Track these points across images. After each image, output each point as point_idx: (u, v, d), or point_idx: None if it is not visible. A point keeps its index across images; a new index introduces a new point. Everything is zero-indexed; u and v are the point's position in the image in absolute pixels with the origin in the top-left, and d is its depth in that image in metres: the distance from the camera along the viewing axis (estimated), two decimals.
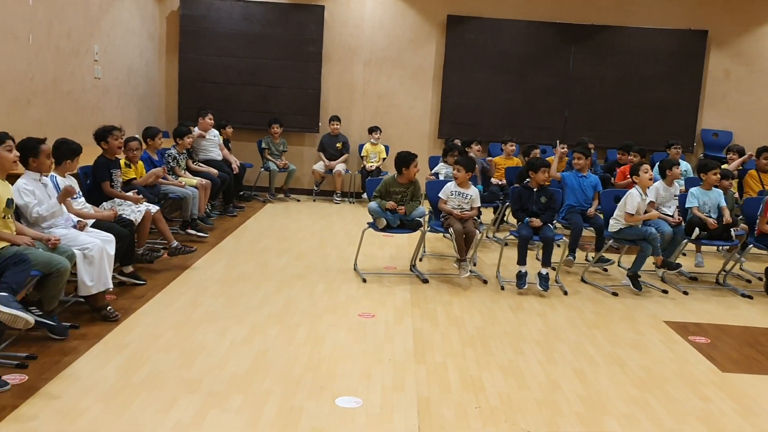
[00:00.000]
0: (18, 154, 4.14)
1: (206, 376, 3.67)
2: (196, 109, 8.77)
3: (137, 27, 8.95)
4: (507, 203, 7.52)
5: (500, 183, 7.93)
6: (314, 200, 9.79)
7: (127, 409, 3.27)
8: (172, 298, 5.00)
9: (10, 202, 3.95)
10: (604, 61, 9.98)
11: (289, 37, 9.88)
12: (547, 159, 7.04)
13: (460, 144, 7.74)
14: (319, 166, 9.72)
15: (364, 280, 5.69)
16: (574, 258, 6.44)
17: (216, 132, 8.46)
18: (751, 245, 6.13)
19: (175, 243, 5.82)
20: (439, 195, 5.94)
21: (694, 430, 3.33)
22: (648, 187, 5.98)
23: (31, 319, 3.32)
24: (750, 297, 5.84)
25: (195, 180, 7.11)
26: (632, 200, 5.80)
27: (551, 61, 10.02)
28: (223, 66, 9.88)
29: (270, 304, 4.99)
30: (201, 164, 7.84)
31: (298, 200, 9.68)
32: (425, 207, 6.18)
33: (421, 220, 5.98)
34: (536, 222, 5.68)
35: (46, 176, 4.46)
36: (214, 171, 7.76)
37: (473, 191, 5.99)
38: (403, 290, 5.50)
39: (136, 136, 6.23)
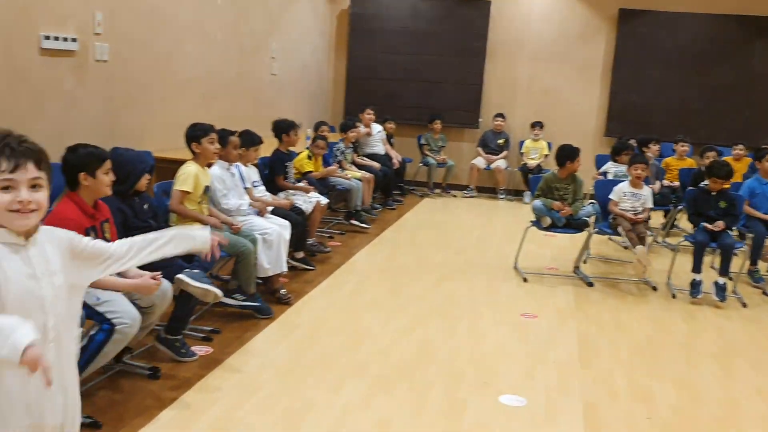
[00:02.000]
0: (219, 147, 4.45)
1: (372, 361, 3.80)
2: (361, 105, 9.07)
3: (311, 26, 9.39)
4: (679, 207, 7.11)
5: (672, 185, 7.49)
6: (472, 197, 9.77)
7: (300, 386, 3.46)
8: (339, 284, 5.21)
9: (207, 189, 4.30)
10: None
11: (455, 32, 9.91)
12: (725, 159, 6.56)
13: (635, 143, 7.41)
14: (479, 162, 9.69)
15: (525, 280, 5.61)
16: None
17: (380, 127, 8.70)
18: None
19: (311, 240, 5.98)
20: (610, 197, 5.72)
21: None
22: None
23: (219, 292, 3.58)
24: None
25: (359, 173, 7.35)
26: None
27: (732, 56, 9.29)
28: (388, 62, 10.12)
29: (431, 296, 5.06)
30: (365, 158, 8.09)
31: (455, 196, 9.71)
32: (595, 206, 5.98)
33: (588, 220, 5.79)
34: (720, 225, 5.29)
35: (234, 166, 4.81)
36: (377, 165, 7.97)
37: (646, 191, 5.72)
38: (565, 292, 5.36)
39: (324, 135, 6.58)
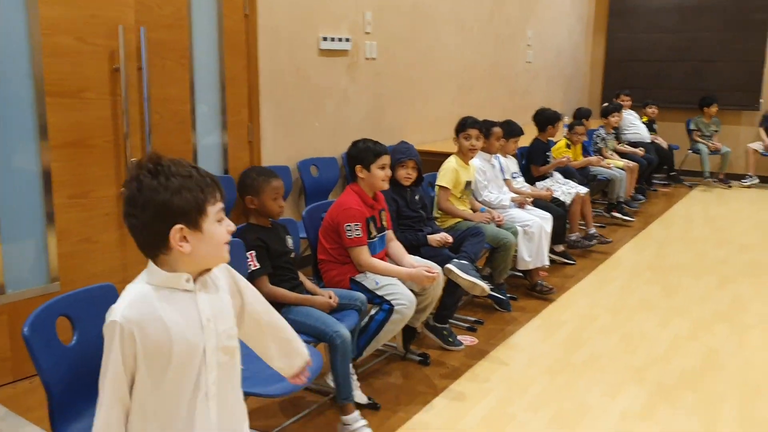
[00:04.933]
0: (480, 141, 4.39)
1: (651, 367, 3.49)
2: (620, 89, 8.53)
3: (568, 10, 9.02)
4: None
5: None
6: (751, 186, 8.69)
7: (572, 387, 3.28)
8: (603, 280, 4.91)
9: (468, 184, 4.29)
10: None
11: (731, 4, 8.87)
12: None
13: None
14: (757, 145, 8.59)
15: None
16: None
17: (633, 113, 8.13)
18: None
19: (593, 230, 5.69)
20: None
21: None
22: None
23: (486, 287, 3.54)
24: None
25: (622, 162, 6.89)
26: None
27: None
28: (651, 42, 9.38)
29: (713, 299, 4.55)
30: (627, 146, 7.57)
31: (730, 186, 8.70)
32: None
33: None
34: None
35: (494, 157, 4.76)
36: (640, 152, 7.41)
37: None
38: None
39: (582, 122, 6.30)
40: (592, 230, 5.70)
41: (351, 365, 3.02)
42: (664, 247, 5.84)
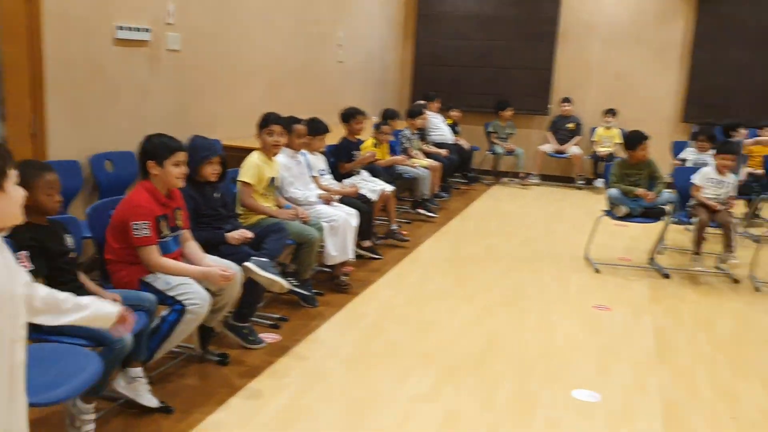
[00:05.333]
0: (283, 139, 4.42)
1: (439, 352, 3.74)
2: (427, 92, 8.98)
3: (378, 12, 9.32)
4: (763, 195, 6.75)
5: (756, 173, 7.12)
6: (538, 185, 9.55)
7: (366, 375, 3.43)
8: (405, 273, 5.16)
9: (272, 180, 4.31)
10: None
11: (524, 17, 9.68)
12: None
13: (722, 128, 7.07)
14: (547, 148, 9.46)
15: (597, 270, 5.43)
16: None
17: (438, 116, 8.63)
18: None
19: (394, 226, 5.96)
20: (693, 180, 5.45)
21: None
22: None
23: (285, 284, 3.59)
24: None
25: (427, 161, 7.27)
26: None
27: None
28: (455, 49, 9.97)
29: (499, 286, 4.95)
30: (432, 146, 7.99)
31: (525, 186, 9.50)
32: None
33: (666, 208, 5.55)
34: None
35: (300, 154, 4.81)
36: (444, 152, 7.87)
37: (732, 179, 5.45)
38: (640, 284, 5.16)
39: (388, 122, 6.52)
40: (394, 226, 5.96)
41: (142, 368, 2.94)
42: (460, 241, 6.25)
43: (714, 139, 6.48)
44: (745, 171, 7.02)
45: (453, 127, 8.94)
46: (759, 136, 7.66)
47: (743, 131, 7.23)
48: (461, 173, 9.06)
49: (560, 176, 9.74)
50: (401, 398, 3.21)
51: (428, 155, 7.58)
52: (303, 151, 4.89)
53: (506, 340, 3.96)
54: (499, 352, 3.78)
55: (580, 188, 9.38)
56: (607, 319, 4.39)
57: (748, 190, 6.94)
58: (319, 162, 5.19)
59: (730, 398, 3.33)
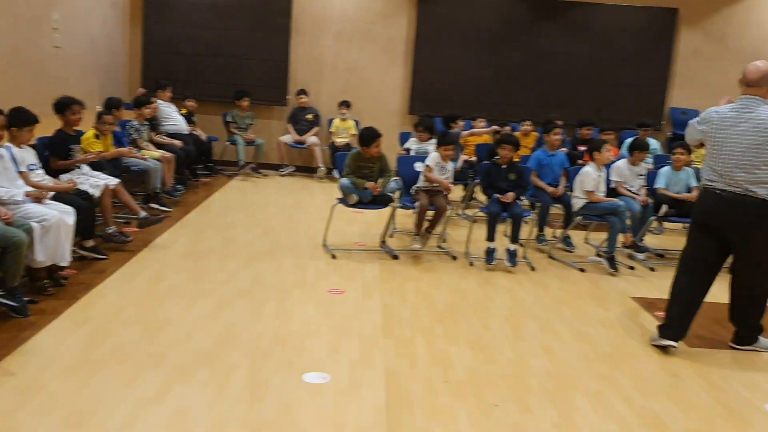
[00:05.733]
0: None
1: (170, 350, 3.59)
2: (160, 81, 8.57)
3: None
4: (477, 180, 7.51)
5: (470, 160, 7.90)
6: (282, 175, 9.67)
7: (88, 383, 3.17)
8: (135, 272, 4.88)
9: None
10: (574, 38, 9.96)
11: (258, 7, 9.68)
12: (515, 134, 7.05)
13: (442, 120, 7.70)
14: (287, 138, 9.59)
15: (334, 257, 5.62)
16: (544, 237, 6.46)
17: (171, 105, 8.31)
18: None
19: (143, 214, 5.67)
20: (427, 163, 5.86)
21: (662, 406, 3.36)
22: (604, 164, 6.01)
23: None
24: None
25: (158, 153, 6.94)
26: (587, 178, 5.86)
27: (522, 37, 9.98)
28: (188, 37, 9.65)
29: (237, 278, 4.90)
30: (165, 137, 7.66)
31: (266, 175, 9.54)
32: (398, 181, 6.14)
33: (392, 195, 5.92)
34: (510, 197, 5.66)
35: (4, 147, 4.30)
36: (178, 143, 7.58)
37: (451, 166, 5.98)
38: (372, 266, 5.45)
39: (110, 111, 6.07)
40: (143, 214, 5.64)
41: None
42: (199, 234, 6.08)
43: (433, 129, 7.05)
44: (462, 159, 7.75)
45: (188, 117, 8.66)
46: (474, 127, 8.51)
47: (461, 123, 7.98)
48: (200, 165, 8.81)
49: (301, 166, 9.94)
50: (127, 403, 3.02)
51: (160, 146, 7.25)
52: (7, 144, 4.38)
53: (242, 331, 3.93)
54: (234, 344, 3.74)
55: (321, 178, 9.65)
56: (340, 301, 4.57)
57: (464, 176, 7.68)
58: (29, 156, 4.68)
59: (444, 363, 3.66)
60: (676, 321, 4.07)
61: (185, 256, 5.37)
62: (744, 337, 4.19)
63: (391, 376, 3.45)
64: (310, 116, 9.69)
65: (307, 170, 9.89)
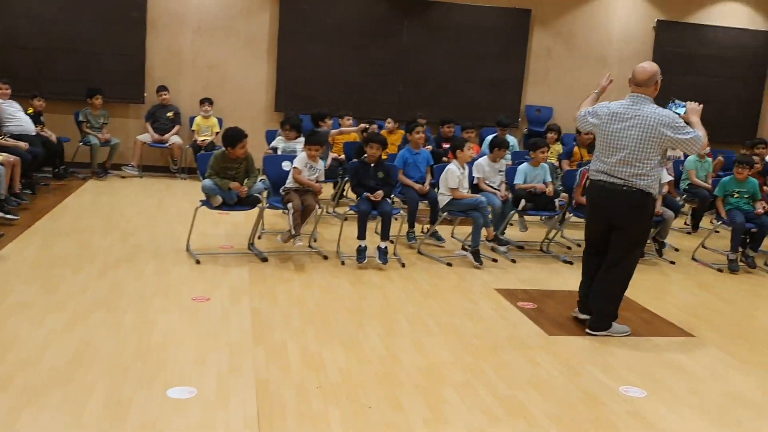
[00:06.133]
0: None
1: (19, 372, 3.29)
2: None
3: None
4: (346, 178, 7.52)
5: (339, 158, 7.89)
6: (141, 176, 9.21)
7: None
8: None
9: None
10: (436, 37, 10.21)
11: (110, 0, 9.15)
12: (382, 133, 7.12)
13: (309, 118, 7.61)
14: (146, 138, 9.15)
15: (198, 261, 5.41)
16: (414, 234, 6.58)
17: (15, 104, 7.69)
18: (572, 214, 6.60)
19: None
20: (295, 164, 5.75)
21: (526, 394, 3.49)
22: (466, 162, 6.21)
23: None
24: (570, 263, 6.28)
25: (1, 156, 6.38)
26: (452, 175, 6.03)
27: (385, 35, 10.10)
28: (34, 30, 8.95)
29: (93, 288, 4.60)
30: (9, 138, 7.05)
31: (123, 176, 9.05)
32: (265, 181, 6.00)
33: (259, 196, 5.79)
34: (379, 195, 5.69)
35: None
36: (24, 145, 7.01)
37: (321, 165, 5.92)
38: (240, 270, 5.30)
39: None
40: None
41: None
42: (50, 242, 5.65)
43: (300, 128, 6.97)
44: (330, 157, 7.72)
45: (36, 116, 8.04)
46: (341, 125, 8.50)
47: (329, 121, 7.94)
48: (50, 168, 8.21)
49: (163, 166, 9.53)
50: None
51: (4, 149, 6.66)
52: None
53: (99, 346, 3.67)
54: (91, 361, 3.49)
55: (183, 179, 9.30)
56: (206, 309, 4.39)
57: (334, 174, 7.66)
58: None
59: (317, 367, 3.61)
60: (586, 296, 4.54)
61: (35, 266, 4.96)
62: (599, 323, 4.45)
63: (262, 385, 3.35)
64: (170, 114, 9.30)
65: (168, 170, 9.49)
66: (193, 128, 9.35)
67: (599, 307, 4.44)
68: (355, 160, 6.44)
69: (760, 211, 6.45)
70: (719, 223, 6.67)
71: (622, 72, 10.77)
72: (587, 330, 4.47)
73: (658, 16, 10.73)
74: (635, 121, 4.17)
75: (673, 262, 6.46)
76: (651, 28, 10.76)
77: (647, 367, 3.96)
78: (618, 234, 4.34)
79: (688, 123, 4.25)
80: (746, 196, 6.60)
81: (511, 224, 7.22)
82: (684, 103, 4.41)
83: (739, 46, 10.91)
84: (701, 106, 4.38)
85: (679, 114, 4.29)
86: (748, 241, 6.61)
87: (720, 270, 6.36)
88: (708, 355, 4.24)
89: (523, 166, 6.56)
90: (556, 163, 8.08)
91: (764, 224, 6.44)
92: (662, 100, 4.32)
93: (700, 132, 4.19)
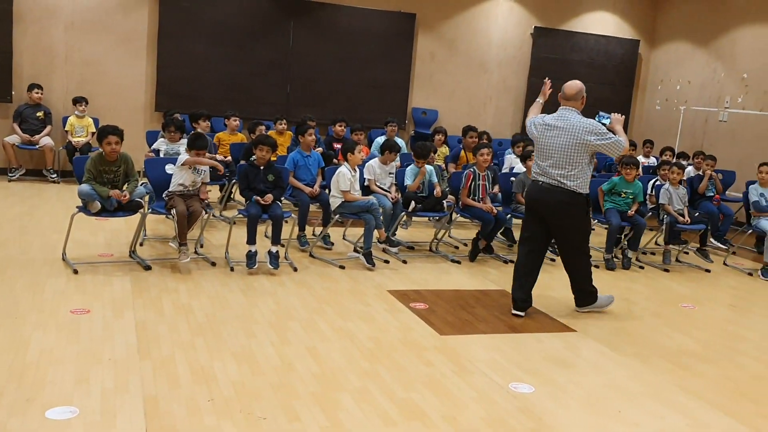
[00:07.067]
0: None
1: None
2: None
3: None
4: (233, 181, 7.33)
5: (225, 159, 7.69)
6: (9, 181, 8.58)
7: None
8: None
9: None
10: (323, 38, 10.17)
11: None
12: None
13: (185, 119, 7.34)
14: (14, 139, 8.54)
15: (76, 271, 5.10)
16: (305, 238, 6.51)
17: None
18: (458, 215, 6.76)
19: None
20: (177, 167, 5.52)
21: (421, 396, 3.53)
22: (357, 165, 6.23)
23: None
24: (458, 262, 6.43)
25: None
26: (343, 178, 6.04)
27: (271, 35, 9.95)
28: None
29: None
30: None
31: None
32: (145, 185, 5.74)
33: (141, 200, 5.53)
34: (269, 198, 5.59)
35: None
36: None
37: (206, 169, 5.72)
38: (122, 280, 5.04)
39: None
40: None
41: None
42: None
43: (184, 128, 6.73)
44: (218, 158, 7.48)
45: None
46: (226, 125, 8.28)
47: (203, 123, 7.69)
48: None
49: (33, 170, 8.93)
50: None
51: None
52: None
53: None
54: None
55: (56, 182, 8.76)
56: (86, 322, 4.14)
57: (220, 176, 7.44)
58: None
59: (208, 380, 3.49)
60: (518, 292, 4.94)
61: None
62: (584, 299, 5.13)
63: (150, 401, 3.20)
64: (40, 114, 8.72)
65: (39, 174, 8.90)
66: (66, 128, 8.82)
67: (581, 287, 5.10)
68: (242, 162, 6.29)
69: (632, 212, 6.82)
70: (595, 221, 7.04)
71: (501, 76, 11.27)
72: (576, 308, 5.16)
73: (536, 23, 11.22)
74: (564, 129, 4.75)
75: (553, 260, 6.77)
76: (528, 35, 11.23)
77: (534, 363, 4.11)
78: (559, 233, 4.94)
79: (612, 131, 4.84)
80: (631, 197, 6.93)
81: (402, 226, 7.32)
82: (609, 115, 5.00)
83: (608, 52, 11.60)
84: (623, 116, 5.06)
85: (605, 124, 4.88)
86: (625, 238, 6.98)
87: (597, 266, 6.73)
88: (588, 348, 4.46)
89: (411, 168, 6.66)
90: (443, 166, 8.27)
91: (639, 224, 6.84)
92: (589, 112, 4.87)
93: (622, 138, 4.80)
